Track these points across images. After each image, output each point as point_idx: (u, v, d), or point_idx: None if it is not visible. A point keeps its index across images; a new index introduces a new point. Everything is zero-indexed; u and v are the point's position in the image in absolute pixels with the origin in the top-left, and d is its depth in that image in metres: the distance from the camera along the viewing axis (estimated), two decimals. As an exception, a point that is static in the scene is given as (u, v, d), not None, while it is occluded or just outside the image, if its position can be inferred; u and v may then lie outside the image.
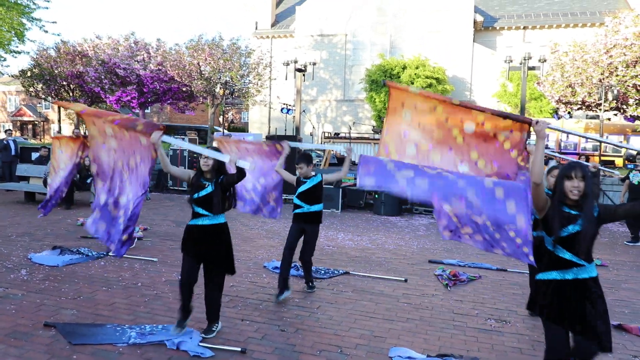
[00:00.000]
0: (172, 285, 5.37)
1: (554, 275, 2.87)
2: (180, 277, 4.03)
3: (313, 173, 5.34)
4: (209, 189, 3.88)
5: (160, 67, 19.28)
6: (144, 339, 3.88)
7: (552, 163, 5.07)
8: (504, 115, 3.27)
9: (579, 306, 2.80)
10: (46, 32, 20.28)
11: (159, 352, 3.69)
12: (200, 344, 3.83)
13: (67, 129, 32.98)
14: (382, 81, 4.37)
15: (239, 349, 3.74)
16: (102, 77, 18.91)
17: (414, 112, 3.53)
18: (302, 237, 5.30)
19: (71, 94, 20.84)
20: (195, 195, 3.90)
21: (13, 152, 14.50)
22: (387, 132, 3.68)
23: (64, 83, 19.91)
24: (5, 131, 14.87)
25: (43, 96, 21.46)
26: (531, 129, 3.10)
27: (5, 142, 13.50)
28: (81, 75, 19.08)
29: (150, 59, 19.47)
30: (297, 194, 5.28)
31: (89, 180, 11.36)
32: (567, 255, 2.82)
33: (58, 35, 21.87)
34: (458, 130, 3.37)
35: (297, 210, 5.30)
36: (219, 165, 3.93)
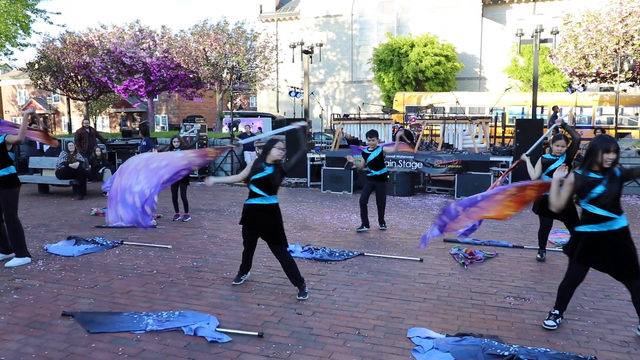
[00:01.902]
0: (187, 272, 5.38)
1: (590, 227, 3.64)
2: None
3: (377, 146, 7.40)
4: (268, 170, 4.40)
5: (166, 55, 19.17)
6: (162, 326, 3.88)
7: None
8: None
9: (612, 252, 3.60)
10: (51, 23, 20.18)
11: (177, 339, 3.69)
12: (218, 329, 3.82)
13: (77, 121, 33.17)
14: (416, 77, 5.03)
15: (256, 334, 3.72)
16: (109, 66, 18.85)
17: None
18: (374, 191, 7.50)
19: (79, 84, 20.86)
20: (254, 177, 4.44)
21: (38, 147, 14.39)
22: None
23: (72, 74, 19.91)
24: (31, 123, 14.38)
25: (51, 88, 21.51)
26: None
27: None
28: (88, 65, 19.04)
29: (155, 46, 19.35)
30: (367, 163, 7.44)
31: (101, 170, 11.42)
32: (599, 212, 3.58)
33: (63, 26, 21.94)
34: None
35: (368, 175, 7.51)
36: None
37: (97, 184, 11.74)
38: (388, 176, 7.68)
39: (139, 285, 4.93)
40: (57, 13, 19.91)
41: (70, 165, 10.62)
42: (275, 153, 4.45)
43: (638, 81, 14.80)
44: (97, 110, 39.50)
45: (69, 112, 25.95)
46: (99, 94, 21.98)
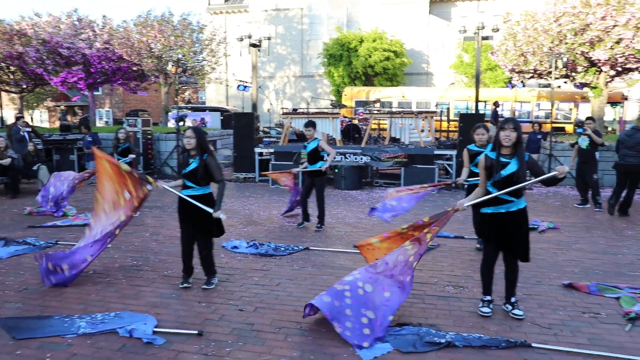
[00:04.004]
0: (126, 271, 5.18)
1: (490, 209, 3.93)
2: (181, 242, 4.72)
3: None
4: (193, 164, 4.48)
5: (107, 46, 18.30)
6: (95, 328, 3.71)
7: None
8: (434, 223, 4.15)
9: (507, 231, 3.89)
10: (-21, 10, 18.84)
11: (111, 341, 3.55)
12: (156, 329, 3.70)
13: (11, 115, 31.22)
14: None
15: (196, 332, 3.64)
16: (44, 57, 17.80)
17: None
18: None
19: (11, 76, 19.58)
20: (183, 171, 4.55)
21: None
22: None
23: (3, 65, 18.66)
24: (18, 118, 12.87)
25: (-19, 80, 20.09)
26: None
27: (22, 133, 12.03)
28: (21, 56, 17.89)
29: (96, 37, 18.44)
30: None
31: (35, 167, 10.80)
32: (496, 192, 3.83)
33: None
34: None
35: (304, 169, 7.24)
36: (202, 144, 4.50)
37: (31, 181, 11.13)
38: (325, 171, 7.12)
39: (73, 287, 4.70)
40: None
41: (0, 162, 9.98)
42: (184, 142, 4.57)
43: (571, 78, 15.60)
44: (34, 104, 37.36)
45: (0, 106, 24.38)
46: (34, 86, 20.71)
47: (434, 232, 4.03)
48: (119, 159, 7.99)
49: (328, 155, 7.17)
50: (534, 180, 3.80)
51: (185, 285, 4.69)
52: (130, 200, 4.94)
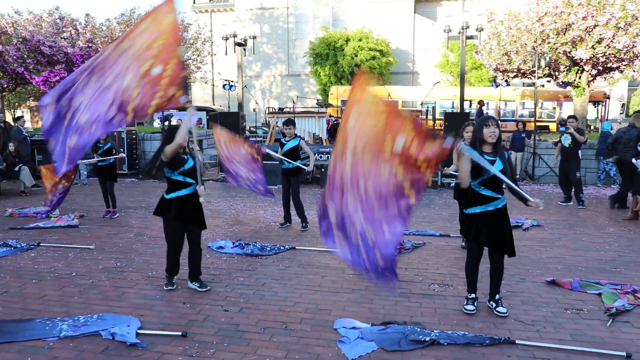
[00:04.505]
0: (109, 273, 5.12)
1: (479, 209, 3.91)
2: (172, 243, 4.55)
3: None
4: (190, 162, 4.42)
5: (90, 45, 18.06)
6: (77, 331, 3.66)
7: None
8: (433, 135, 3.33)
9: (497, 227, 3.90)
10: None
11: (94, 343, 3.49)
12: (139, 330, 3.66)
13: (-7, 115, 30.62)
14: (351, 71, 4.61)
15: (180, 333, 3.60)
16: (25, 56, 17.50)
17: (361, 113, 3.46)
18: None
19: (-8, 75, 19.24)
20: (183, 168, 4.38)
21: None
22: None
23: (-18, 64, 18.32)
24: (18, 119, 12.46)
25: (-40, 79, 19.68)
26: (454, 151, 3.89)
27: (24, 134, 11.66)
28: (1, 54, 17.57)
29: (78, 35, 18.18)
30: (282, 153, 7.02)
31: (17, 168, 10.61)
32: (487, 192, 3.88)
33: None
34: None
35: (282, 167, 7.17)
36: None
37: (13, 182, 10.95)
38: (304, 171, 7.17)
39: (55, 289, 4.63)
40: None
41: (-20, 162, 9.80)
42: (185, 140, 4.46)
43: (554, 77, 15.81)
44: (16, 104, 36.75)
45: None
46: (15, 85, 20.34)
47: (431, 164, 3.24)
48: (100, 162, 7.87)
49: (308, 157, 7.24)
50: (511, 183, 3.75)
51: (171, 288, 4.61)
52: None
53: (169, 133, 4.37)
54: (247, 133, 15.24)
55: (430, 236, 6.79)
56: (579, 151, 9.09)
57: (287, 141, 7.10)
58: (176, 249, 4.58)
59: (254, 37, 15.16)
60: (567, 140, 9.00)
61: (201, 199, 4.40)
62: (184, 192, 4.45)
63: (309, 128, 12.08)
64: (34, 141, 13.19)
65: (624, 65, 14.26)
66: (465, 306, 4.10)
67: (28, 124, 38.15)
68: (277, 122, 13.06)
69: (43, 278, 4.96)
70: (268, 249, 5.97)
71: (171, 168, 4.39)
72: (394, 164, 3.28)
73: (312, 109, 15.21)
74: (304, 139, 8.36)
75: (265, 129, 17.66)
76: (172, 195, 4.46)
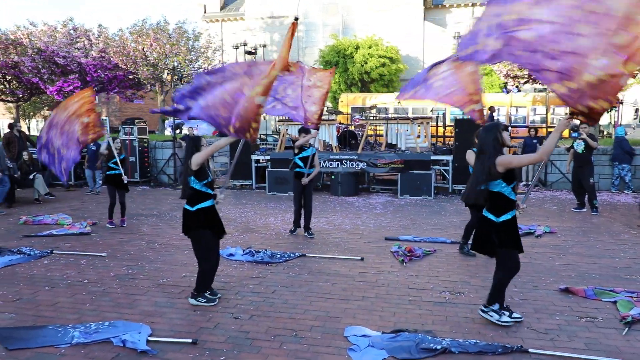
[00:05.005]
0: (121, 280, 5.15)
1: (513, 213, 3.81)
2: (208, 259, 4.41)
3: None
4: (210, 175, 4.49)
5: (103, 55, 18.35)
6: (89, 338, 3.68)
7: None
8: None
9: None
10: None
11: (105, 350, 3.51)
12: (150, 338, 3.67)
13: (6, 124, 31.16)
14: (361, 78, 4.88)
15: (190, 340, 3.61)
16: (40, 66, 17.82)
17: None
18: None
19: (7, 85, 19.58)
20: (207, 180, 4.41)
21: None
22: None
23: (-1, 74, 18.71)
24: (14, 125, 12.68)
25: (-23, 89, 20.11)
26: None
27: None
28: (17, 65, 17.90)
29: (91, 46, 18.49)
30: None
31: (31, 176, 10.76)
32: (514, 197, 3.82)
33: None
34: None
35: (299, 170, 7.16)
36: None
37: (27, 190, 11.09)
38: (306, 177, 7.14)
39: (68, 296, 4.66)
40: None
41: (-5, 171, 9.95)
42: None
43: (566, 82, 15.70)
44: (31, 113, 37.31)
45: (-3, 115, 24.37)
46: (30, 95, 20.70)
47: None
48: (111, 170, 7.85)
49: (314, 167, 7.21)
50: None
51: (217, 299, 4.48)
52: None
53: (194, 143, 4.39)
54: (258, 140, 15.31)
55: (441, 243, 6.74)
56: (592, 157, 8.98)
57: (307, 148, 7.20)
58: (214, 265, 4.47)
59: (264, 46, 15.29)
60: (579, 146, 8.91)
61: (220, 198, 4.56)
62: (207, 203, 4.41)
63: (319, 135, 12.09)
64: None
65: (637, 70, 14.10)
66: (501, 318, 3.91)
67: (42, 133, 38.65)
68: (287, 129, 13.10)
69: (56, 285, 5.00)
70: (278, 256, 5.97)
71: (198, 178, 4.34)
72: None
73: (322, 117, 15.27)
74: (317, 149, 8.31)
75: (276, 136, 17.72)
76: (198, 206, 4.37)
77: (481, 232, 3.92)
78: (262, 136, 19.00)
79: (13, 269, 5.61)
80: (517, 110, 20.95)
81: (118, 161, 7.82)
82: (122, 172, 7.87)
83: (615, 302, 4.37)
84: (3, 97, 20.73)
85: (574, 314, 4.17)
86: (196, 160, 4.27)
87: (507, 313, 3.95)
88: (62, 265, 5.75)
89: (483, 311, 4.01)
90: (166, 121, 20.15)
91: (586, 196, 9.08)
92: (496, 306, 3.96)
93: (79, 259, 6.03)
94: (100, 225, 8.07)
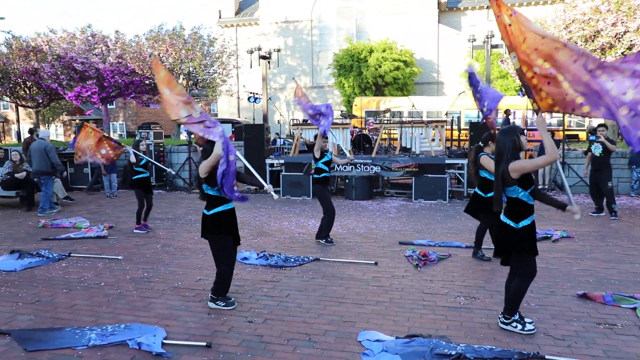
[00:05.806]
0: (136, 283, 5.21)
1: (532, 218, 3.77)
2: (226, 263, 4.43)
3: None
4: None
5: (120, 60, 18.65)
6: (105, 340, 3.73)
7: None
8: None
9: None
10: (-4, 28, 19.29)
11: (121, 353, 3.56)
12: (165, 341, 3.71)
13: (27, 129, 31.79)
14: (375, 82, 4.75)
15: (204, 344, 3.63)
16: (59, 72, 18.17)
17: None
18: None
19: (27, 91, 20.01)
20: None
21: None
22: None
23: (19, 80, 19.08)
24: (34, 130, 12.98)
25: (-1, 95, 20.59)
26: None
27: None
28: (37, 71, 18.28)
29: (109, 52, 18.80)
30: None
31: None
32: (532, 201, 3.78)
33: (8, 32, 20.90)
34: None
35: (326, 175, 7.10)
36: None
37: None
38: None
39: (85, 299, 4.73)
40: (1, 18, 19.06)
41: (16, 175, 10.16)
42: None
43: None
44: (50, 118, 38.03)
45: (17, 120, 24.89)
46: (49, 100, 21.12)
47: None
48: (139, 174, 7.94)
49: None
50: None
51: (234, 305, 4.48)
52: None
53: (208, 148, 4.37)
54: (277, 140, 15.44)
55: (456, 247, 6.69)
56: (610, 160, 8.84)
57: (327, 152, 7.16)
58: (231, 269, 4.48)
59: (278, 50, 15.38)
60: (597, 149, 8.78)
61: (274, 196, 4.82)
62: (225, 207, 4.39)
63: (333, 139, 12.09)
64: (65, 154, 13.61)
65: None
66: (525, 327, 3.83)
67: (61, 138, 39.40)
68: (301, 133, 13.14)
69: (73, 288, 5.08)
70: (292, 260, 5.99)
71: (209, 185, 4.33)
72: None
73: (336, 120, 15.26)
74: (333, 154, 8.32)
75: (290, 140, 17.78)
76: (214, 210, 4.37)
77: (501, 238, 3.85)
78: (276, 135, 19.07)
79: (32, 271, 5.71)
80: (533, 113, 20.71)
81: (149, 161, 8.08)
82: (150, 172, 8.10)
83: (635, 309, 4.28)
84: (23, 103, 21.17)
85: (591, 320, 4.10)
86: (201, 169, 4.29)
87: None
88: (80, 268, 5.84)
89: (505, 323, 3.90)
90: (181, 126, 20.36)
91: (604, 200, 8.93)
92: (517, 316, 3.88)
93: (96, 262, 6.12)
94: (117, 229, 8.18)
